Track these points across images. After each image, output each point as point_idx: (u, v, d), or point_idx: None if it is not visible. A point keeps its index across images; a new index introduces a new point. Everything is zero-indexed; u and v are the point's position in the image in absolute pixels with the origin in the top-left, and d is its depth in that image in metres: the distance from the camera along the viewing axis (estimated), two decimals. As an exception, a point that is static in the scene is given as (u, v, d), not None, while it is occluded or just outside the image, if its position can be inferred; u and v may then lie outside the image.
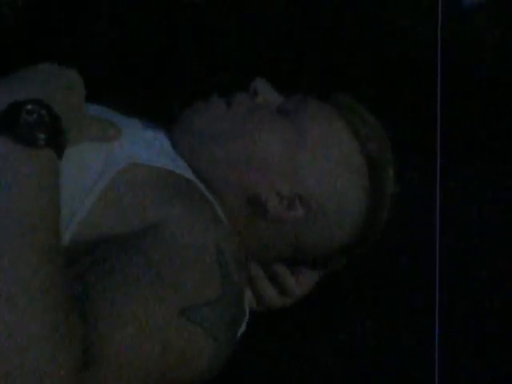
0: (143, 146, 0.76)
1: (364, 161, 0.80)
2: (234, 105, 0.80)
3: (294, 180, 0.78)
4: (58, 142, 0.61)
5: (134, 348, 0.58)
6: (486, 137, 4.20)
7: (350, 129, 0.81)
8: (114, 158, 0.71)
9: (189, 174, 0.76)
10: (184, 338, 0.62)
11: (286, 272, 0.82)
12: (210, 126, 0.79)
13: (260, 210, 0.78)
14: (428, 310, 1.49)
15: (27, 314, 0.51)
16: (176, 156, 0.79)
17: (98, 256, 0.65)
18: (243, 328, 0.79)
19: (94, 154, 0.71)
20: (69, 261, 0.65)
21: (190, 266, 0.65)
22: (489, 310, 2.09)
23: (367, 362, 1.79)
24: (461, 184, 3.29)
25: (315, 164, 0.79)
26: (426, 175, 1.48)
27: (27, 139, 0.58)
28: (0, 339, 0.49)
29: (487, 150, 3.99)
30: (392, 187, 0.82)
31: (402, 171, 0.87)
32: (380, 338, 1.88)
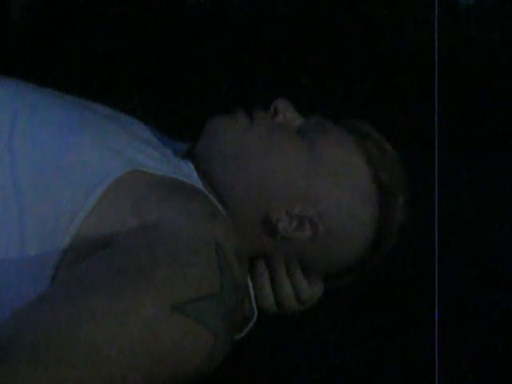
0: (147, 152, 0.76)
1: (376, 189, 0.81)
2: (255, 123, 0.81)
3: (306, 202, 0.79)
4: None
5: (118, 343, 0.59)
6: (484, 135, 4.21)
7: (365, 156, 0.82)
8: (117, 162, 0.72)
9: (192, 181, 0.77)
10: (176, 333, 0.62)
11: (303, 277, 0.82)
12: (232, 142, 0.80)
13: (269, 228, 0.80)
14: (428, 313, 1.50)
15: None
16: (180, 163, 0.80)
17: (94, 256, 0.66)
18: (251, 326, 0.80)
19: (97, 156, 0.71)
20: (70, 260, 0.67)
21: (185, 262, 0.65)
22: (489, 312, 2.09)
23: (367, 364, 1.79)
24: (459, 182, 3.31)
25: (328, 188, 0.80)
26: (425, 172, 1.48)
27: None
28: None
29: (485, 149, 4.01)
30: (401, 216, 0.83)
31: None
32: (379, 342, 1.88)
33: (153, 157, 0.75)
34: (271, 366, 1.70)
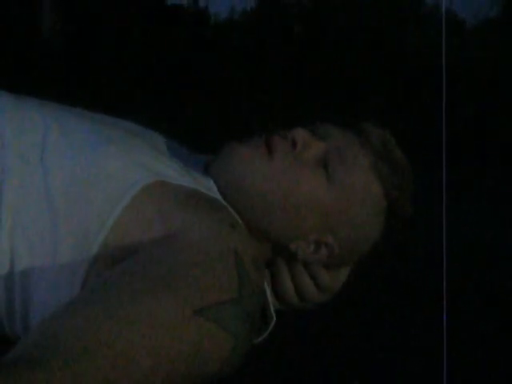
0: (169, 164, 0.79)
1: (386, 205, 0.84)
2: (276, 156, 0.81)
3: (324, 229, 0.82)
4: None
5: (143, 346, 0.61)
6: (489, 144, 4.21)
7: (378, 176, 0.84)
8: (142, 174, 0.74)
9: (213, 194, 0.79)
10: (199, 335, 0.65)
11: (322, 269, 0.85)
12: (253, 175, 0.81)
13: (287, 255, 0.83)
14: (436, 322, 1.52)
15: None
16: (200, 176, 0.81)
17: (122, 263, 0.69)
18: (269, 330, 0.82)
19: (122, 168, 0.74)
20: (99, 267, 0.70)
21: (207, 269, 0.68)
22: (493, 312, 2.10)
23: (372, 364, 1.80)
24: (467, 191, 3.33)
25: (345, 216, 0.83)
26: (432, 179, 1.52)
27: None
28: None
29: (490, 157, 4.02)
30: (405, 228, 0.87)
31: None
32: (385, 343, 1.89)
33: (175, 169, 0.78)
34: (271, 365, 1.70)
